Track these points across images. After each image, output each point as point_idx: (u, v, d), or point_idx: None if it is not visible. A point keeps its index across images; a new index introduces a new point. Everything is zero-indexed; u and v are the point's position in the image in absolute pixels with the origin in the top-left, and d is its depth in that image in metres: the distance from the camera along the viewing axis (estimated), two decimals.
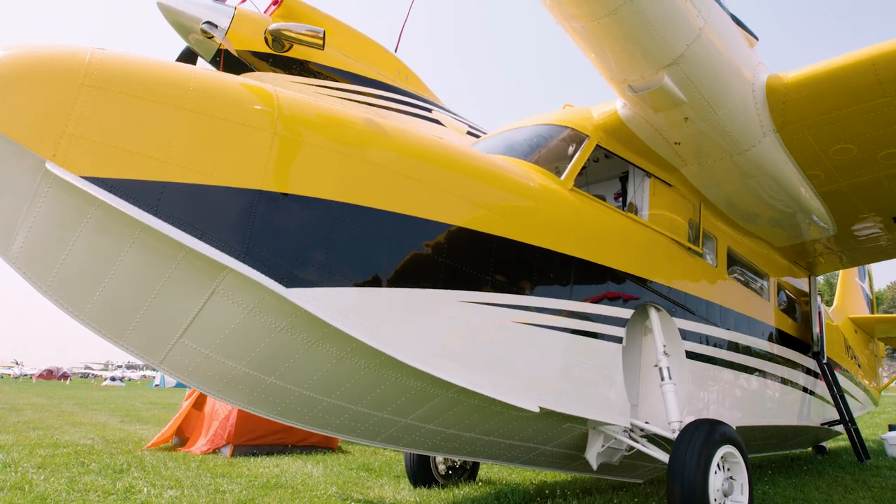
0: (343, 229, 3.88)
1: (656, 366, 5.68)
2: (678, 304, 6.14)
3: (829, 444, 11.58)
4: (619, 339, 5.41)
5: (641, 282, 5.75)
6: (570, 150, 5.86)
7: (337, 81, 6.81)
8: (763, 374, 7.34)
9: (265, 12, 6.93)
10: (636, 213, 6.14)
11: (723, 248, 7.08)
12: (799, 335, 8.36)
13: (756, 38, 5.53)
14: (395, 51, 6.00)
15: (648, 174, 6.23)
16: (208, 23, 6.16)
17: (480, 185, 4.68)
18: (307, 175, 3.83)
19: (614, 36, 4.80)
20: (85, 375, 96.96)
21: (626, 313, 5.52)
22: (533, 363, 4.71)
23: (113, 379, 63.80)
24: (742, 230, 7.34)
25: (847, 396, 9.84)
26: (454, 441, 5.05)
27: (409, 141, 4.40)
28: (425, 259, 4.20)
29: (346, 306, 3.80)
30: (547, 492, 6.56)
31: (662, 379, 5.56)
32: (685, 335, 6.15)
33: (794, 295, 8.60)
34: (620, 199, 6.72)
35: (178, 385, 59.15)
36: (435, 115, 7.47)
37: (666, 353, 5.65)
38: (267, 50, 6.46)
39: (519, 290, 4.69)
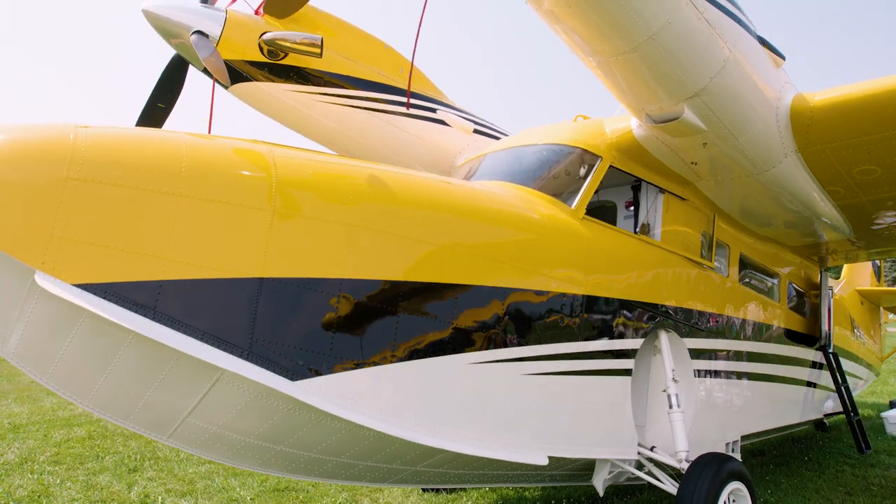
0: (349, 307, 3.75)
1: (664, 391, 5.65)
2: (688, 324, 6.05)
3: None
4: (628, 372, 5.36)
5: (653, 308, 5.64)
6: (582, 171, 5.61)
7: (336, 87, 6.47)
8: (771, 378, 7.33)
9: (257, 11, 6.50)
10: (649, 231, 5.95)
11: (735, 256, 6.92)
12: (807, 330, 8.32)
13: (783, 58, 5.18)
14: (412, 59, 5.62)
15: (662, 190, 6.00)
16: (198, 32, 5.78)
17: (489, 234, 4.49)
18: (309, 254, 3.66)
19: (634, 71, 4.50)
20: None
21: (636, 343, 5.45)
22: (541, 414, 4.67)
23: None
24: (755, 234, 7.16)
25: (850, 377, 9.91)
26: (464, 478, 5.10)
27: (413, 196, 4.19)
28: (434, 326, 4.08)
29: (353, 390, 3.72)
30: (553, 502, 6.69)
31: (671, 407, 5.53)
32: (695, 354, 6.10)
33: (803, 289, 8.49)
34: (632, 207, 6.49)
35: None
36: (440, 114, 7.13)
37: (674, 380, 5.61)
38: (262, 58, 6.10)
39: (527, 341, 4.59)
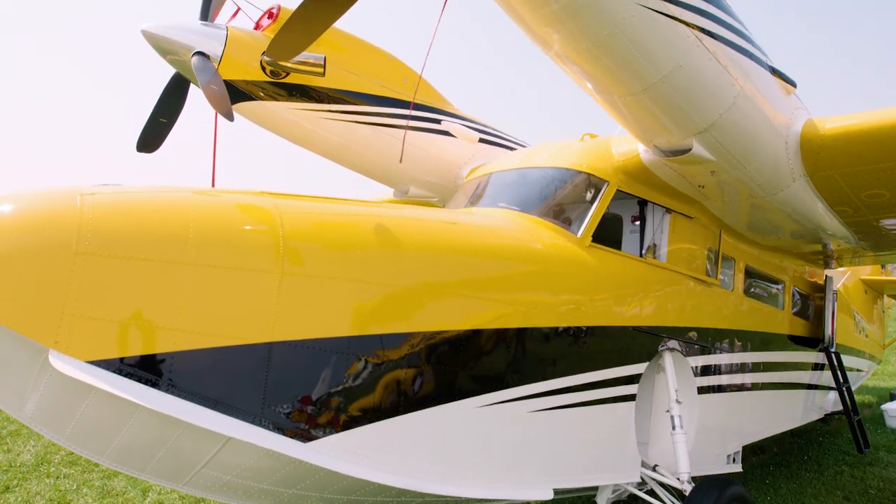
0: (358, 364, 3.79)
1: (668, 412, 5.72)
2: (693, 343, 6.09)
3: None
4: (632, 397, 5.42)
5: (658, 331, 5.67)
6: (588, 196, 5.58)
7: (340, 103, 6.39)
8: (773, 385, 7.42)
9: (257, 25, 6.38)
10: (655, 252, 5.93)
11: (740, 268, 6.92)
12: (811, 333, 8.35)
13: (794, 86, 5.10)
14: (422, 72, 5.55)
15: (669, 210, 5.97)
16: (199, 54, 5.69)
17: (494, 277, 4.50)
18: (318, 314, 3.69)
19: (644, 109, 4.45)
20: None
21: (641, 368, 5.50)
22: (547, 448, 4.75)
23: None
24: (760, 244, 7.15)
25: (852, 372, 10.01)
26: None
27: (419, 245, 4.18)
28: (441, 374, 4.14)
29: (363, 445, 3.79)
30: None
31: (674, 428, 5.60)
32: (699, 371, 6.16)
33: (808, 292, 8.49)
34: (638, 222, 6.45)
35: None
36: (444, 125, 7.05)
37: (678, 401, 5.67)
38: (264, 77, 6.01)
39: (533, 378, 4.64)
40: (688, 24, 3.97)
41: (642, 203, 5.94)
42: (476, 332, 4.31)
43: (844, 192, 5.60)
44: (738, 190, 5.59)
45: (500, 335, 4.45)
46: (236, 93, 6.05)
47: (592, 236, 5.30)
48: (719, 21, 4.21)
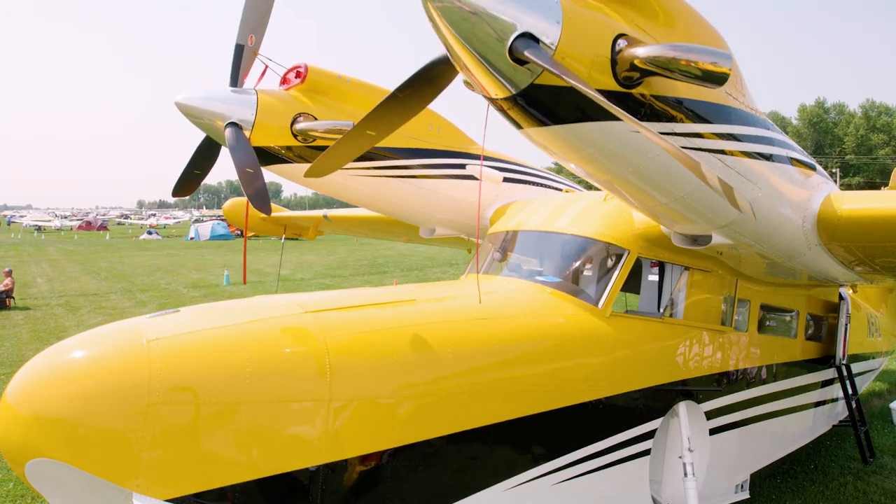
0: (401, 471, 4.20)
1: (680, 458, 6.11)
2: (707, 389, 6.42)
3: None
4: (647, 452, 5.81)
5: (674, 385, 6.00)
6: (609, 264, 5.81)
7: (368, 160, 6.56)
8: (784, 411, 7.75)
9: (284, 80, 6.51)
10: (673, 310, 6.18)
11: (755, 308, 7.14)
12: (823, 353, 8.59)
13: (813, 169, 5.23)
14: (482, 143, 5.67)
15: (687, 268, 6.19)
16: (232, 125, 5.88)
17: (522, 368, 4.84)
18: (364, 432, 4.07)
19: (667, 212, 4.66)
20: (121, 223, 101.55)
21: (657, 424, 5.86)
22: None
23: (150, 233, 66.47)
24: (775, 284, 7.34)
25: (864, 375, 10.33)
26: None
27: (455, 351, 4.51)
28: (473, 465, 4.54)
29: None
30: None
31: (685, 475, 6.00)
32: (711, 414, 6.51)
33: (821, 313, 8.67)
34: (657, 269, 6.68)
35: (213, 237, 61.59)
36: (469, 169, 7.21)
37: (690, 450, 6.05)
38: (295, 143, 6.20)
39: (556, 454, 5.03)
40: (709, 151, 4.11)
41: (661, 264, 6.16)
42: (505, 423, 4.68)
43: (859, 258, 5.78)
44: (755, 257, 5.79)
45: (528, 421, 4.81)
46: (268, 156, 6.27)
47: None
48: (738, 137, 4.32)
